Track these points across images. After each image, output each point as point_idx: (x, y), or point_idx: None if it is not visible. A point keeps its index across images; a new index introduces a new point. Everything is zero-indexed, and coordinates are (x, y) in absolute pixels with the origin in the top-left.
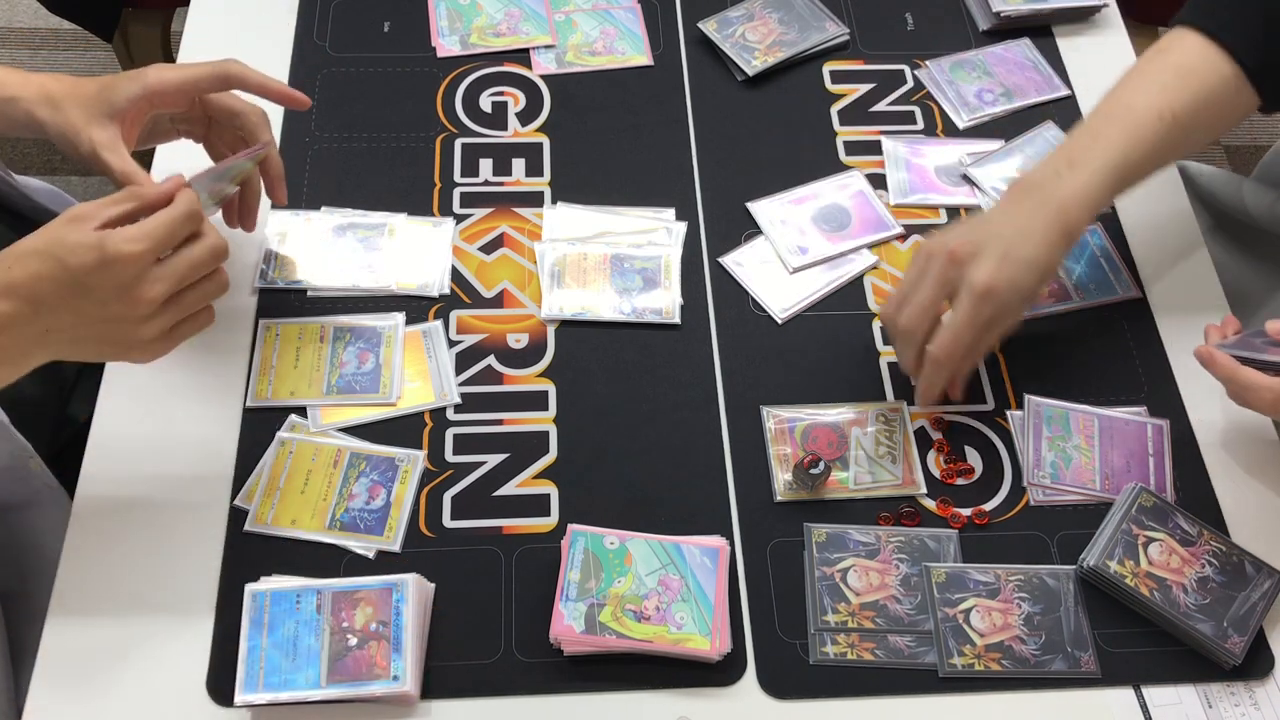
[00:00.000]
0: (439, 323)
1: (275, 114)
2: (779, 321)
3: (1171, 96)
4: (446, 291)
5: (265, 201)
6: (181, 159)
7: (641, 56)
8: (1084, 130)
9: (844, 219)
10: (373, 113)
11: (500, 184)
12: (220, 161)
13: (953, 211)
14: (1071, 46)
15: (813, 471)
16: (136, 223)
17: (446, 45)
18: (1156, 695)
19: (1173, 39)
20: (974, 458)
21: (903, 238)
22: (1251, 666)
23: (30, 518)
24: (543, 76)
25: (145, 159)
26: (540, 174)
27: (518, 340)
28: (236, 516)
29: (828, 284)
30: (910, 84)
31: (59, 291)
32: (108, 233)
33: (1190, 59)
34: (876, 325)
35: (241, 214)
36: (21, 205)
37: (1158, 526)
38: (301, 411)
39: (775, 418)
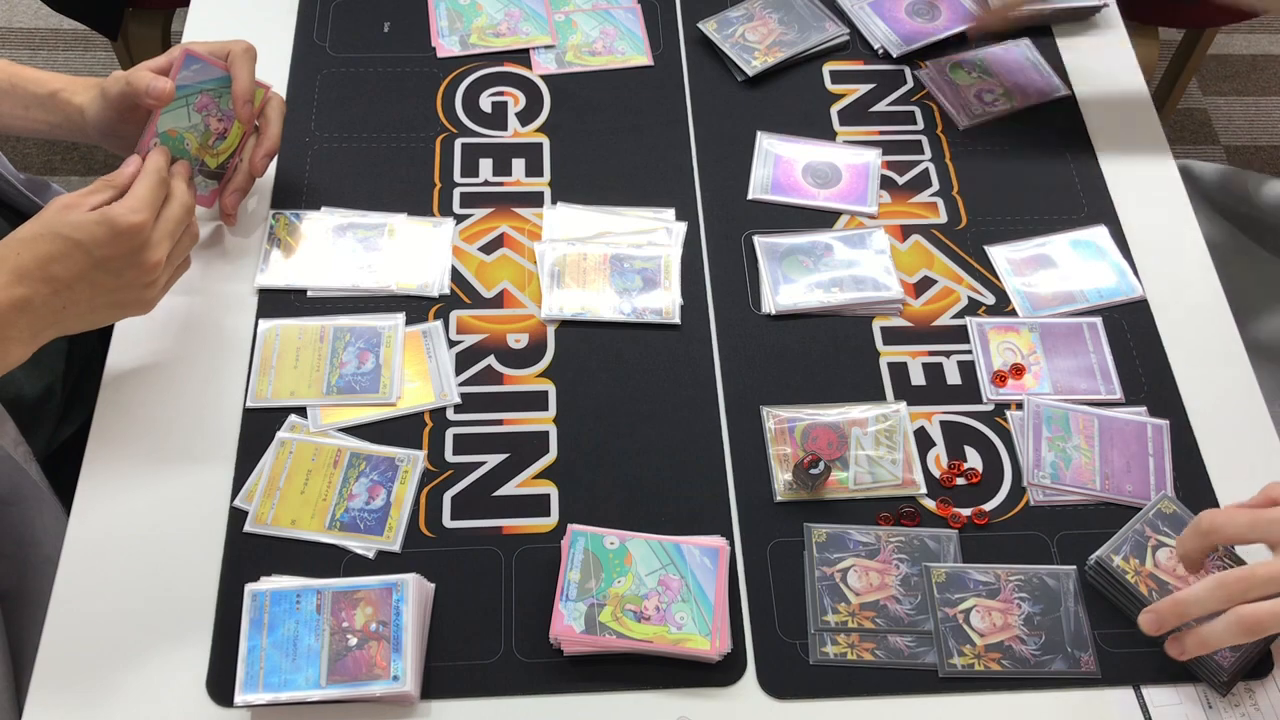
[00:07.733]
0: (439, 323)
1: None
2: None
3: None
4: (446, 291)
5: (263, 203)
6: None
7: (641, 56)
8: None
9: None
10: (373, 113)
11: (500, 184)
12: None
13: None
14: (1071, 46)
15: (813, 471)
16: (128, 194)
17: (446, 45)
18: (1156, 695)
19: None
20: (974, 458)
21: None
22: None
23: (30, 514)
24: (543, 76)
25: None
26: (540, 174)
27: (518, 340)
28: (236, 517)
29: None
30: (910, 84)
31: (74, 269)
32: (110, 208)
33: None
34: (877, 325)
35: (254, 155)
36: (21, 202)
37: (1171, 534)
38: (301, 411)
39: (775, 418)
